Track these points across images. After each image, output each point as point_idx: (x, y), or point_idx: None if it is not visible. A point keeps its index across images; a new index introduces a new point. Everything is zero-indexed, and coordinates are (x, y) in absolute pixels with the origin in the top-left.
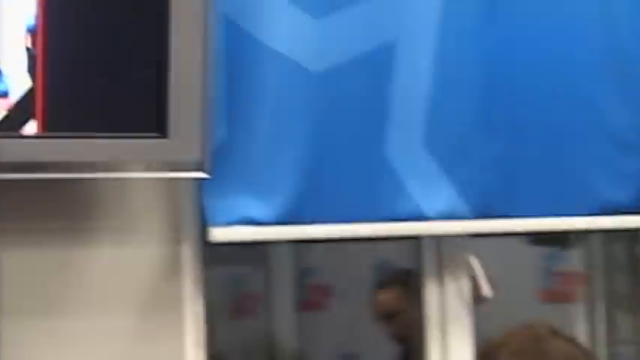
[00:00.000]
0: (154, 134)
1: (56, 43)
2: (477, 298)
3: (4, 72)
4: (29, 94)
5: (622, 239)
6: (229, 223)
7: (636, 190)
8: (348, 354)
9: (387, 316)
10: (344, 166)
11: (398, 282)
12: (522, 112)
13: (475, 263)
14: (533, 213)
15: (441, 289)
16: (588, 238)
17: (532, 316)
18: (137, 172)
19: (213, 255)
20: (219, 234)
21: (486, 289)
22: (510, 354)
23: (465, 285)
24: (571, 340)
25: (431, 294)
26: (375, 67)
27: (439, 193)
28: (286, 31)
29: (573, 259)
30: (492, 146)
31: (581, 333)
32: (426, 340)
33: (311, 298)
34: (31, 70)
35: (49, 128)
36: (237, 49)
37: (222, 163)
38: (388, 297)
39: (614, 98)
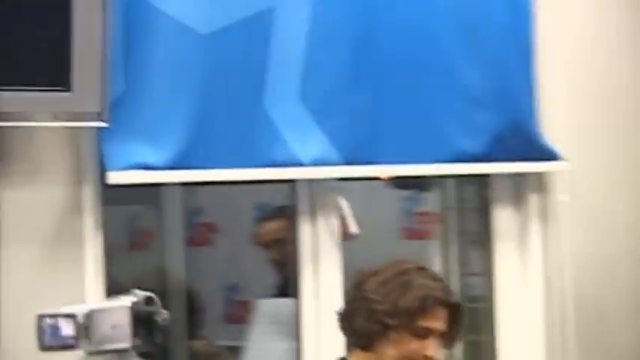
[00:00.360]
0: (59, 88)
1: None
2: (345, 234)
3: None
4: None
5: (473, 183)
6: (125, 168)
7: (485, 141)
8: (231, 284)
9: (269, 243)
10: (228, 117)
11: (279, 215)
12: (387, 69)
13: (344, 204)
14: (395, 160)
15: (314, 227)
16: (444, 182)
17: (394, 252)
18: (44, 121)
19: (111, 195)
20: (117, 177)
21: (353, 227)
22: (378, 283)
23: (335, 223)
24: (434, 277)
25: (304, 230)
26: (257, 29)
27: (313, 141)
28: None
29: (430, 201)
30: (360, 100)
31: (437, 266)
32: (301, 270)
33: (199, 234)
34: None
35: None
36: (133, 12)
37: (120, 114)
38: (270, 226)
39: (467, 59)
